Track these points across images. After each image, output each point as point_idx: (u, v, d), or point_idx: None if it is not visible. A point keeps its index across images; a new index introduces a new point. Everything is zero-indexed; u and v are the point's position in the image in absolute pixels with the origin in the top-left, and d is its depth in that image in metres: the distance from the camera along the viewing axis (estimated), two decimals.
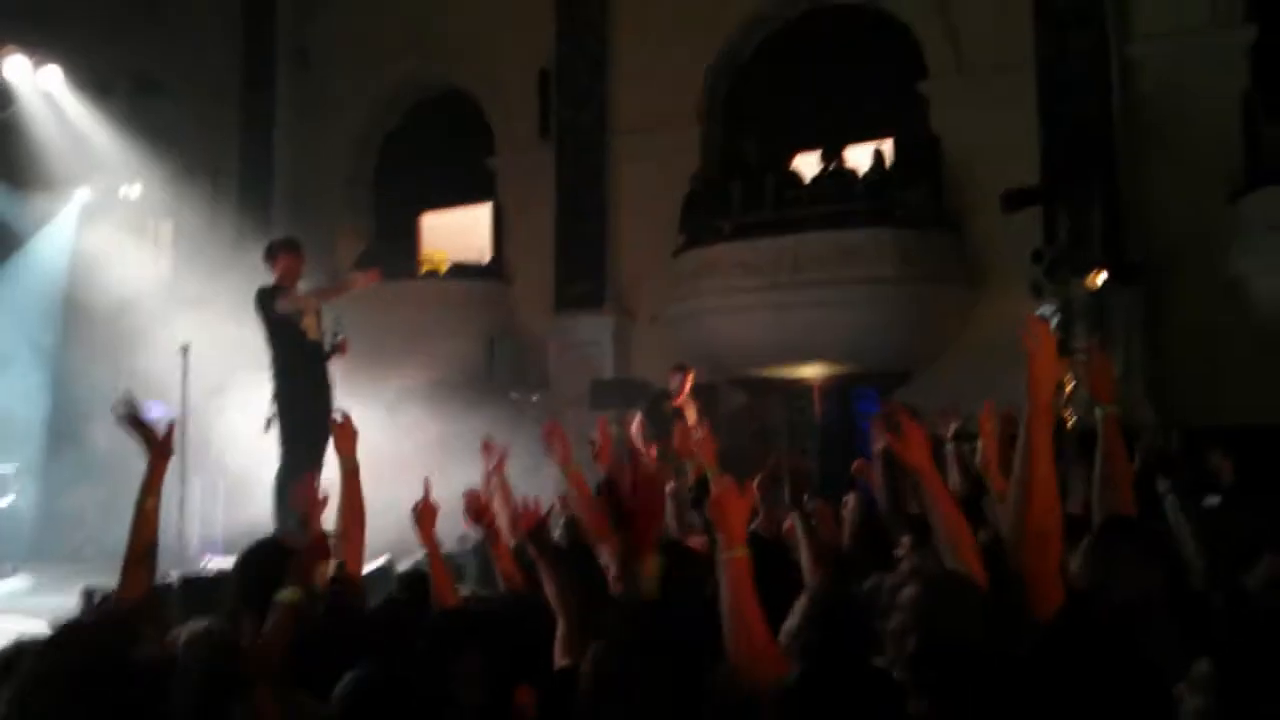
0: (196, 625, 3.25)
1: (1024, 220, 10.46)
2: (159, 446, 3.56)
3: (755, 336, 11.53)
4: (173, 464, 8.40)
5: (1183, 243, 10.32)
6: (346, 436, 4.25)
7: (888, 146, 11.93)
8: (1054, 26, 11.10)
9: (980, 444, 4.75)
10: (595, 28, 13.89)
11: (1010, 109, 11.07)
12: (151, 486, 3.51)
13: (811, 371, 11.69)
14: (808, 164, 12.25)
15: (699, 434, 6.22)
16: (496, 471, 5.04)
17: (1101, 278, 9.83)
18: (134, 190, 13.06)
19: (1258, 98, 10.32)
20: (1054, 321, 9.81)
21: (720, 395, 11.99)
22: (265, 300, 7.38)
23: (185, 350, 9.11)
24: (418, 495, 4.13)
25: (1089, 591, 2.97)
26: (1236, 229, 10.07)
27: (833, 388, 11.68)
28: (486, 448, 5.20)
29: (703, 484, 5.33)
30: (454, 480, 4.75)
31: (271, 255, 7.69)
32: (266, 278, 7.59)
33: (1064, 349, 9.77)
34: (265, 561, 3.45)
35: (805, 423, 11.75)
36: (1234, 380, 9.85)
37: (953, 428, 5.59)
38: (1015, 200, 10.40)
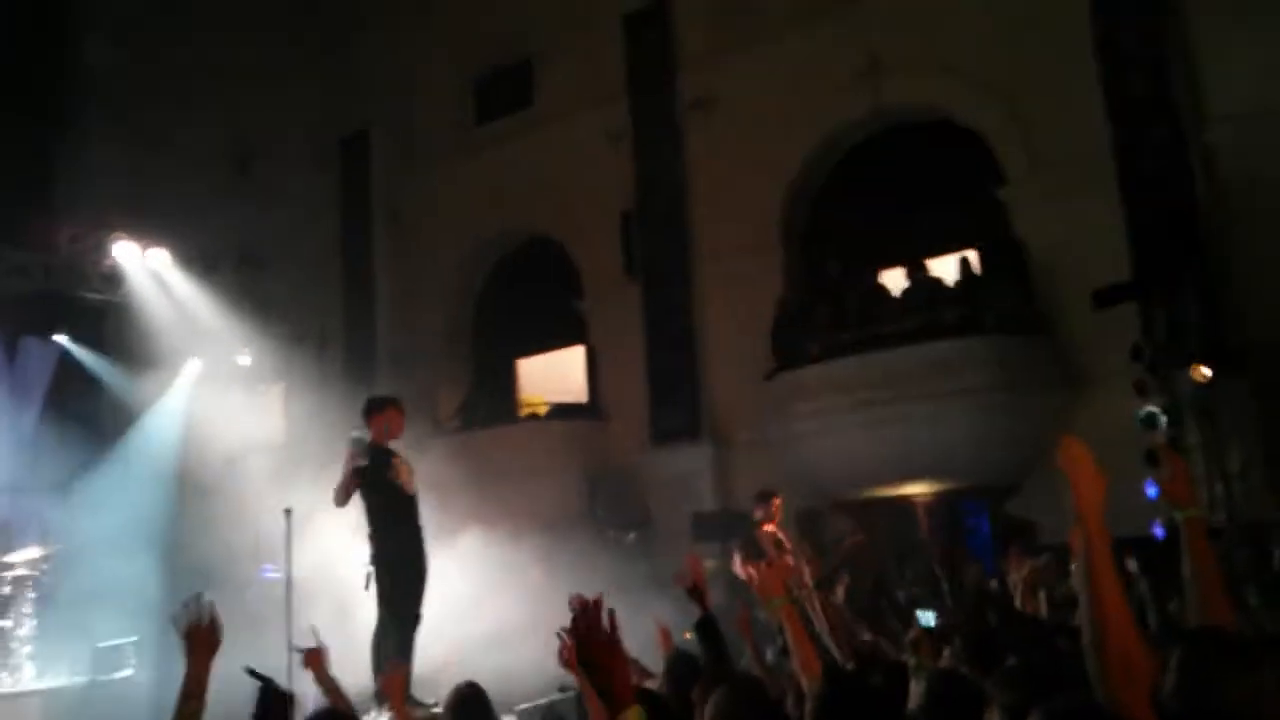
0: None
1: (1119, 317, 10.20)
2: (199, 643, 3.44)
3: (853, 457, 11.35)
4: (280, 628, 8.57)
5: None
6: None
7: (972, 255, 11.84)
8: (1127, 119, 10.97)
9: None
10: (671, 165, 14.23)
11: (1091, 205, 10.90)
12: (192, 689, 3.37)
13: (914, 489, 11.43)
14: (892, 279, 12.20)
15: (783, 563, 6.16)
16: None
17: (1206, 370, 9.51)
18: (244, 358, 13.62)
19: None
20: (1162, 420, 9.51)
21: (824, 520, 11.79)
22: (373, 456, 7.40)
23: (289, 513, 9.31)
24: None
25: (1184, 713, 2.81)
26: None
27: (938, 504, 11.37)
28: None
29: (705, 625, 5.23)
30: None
31: (368, 413, 7.83)
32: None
33: (1176, 447, 9.42)
34: None
35: (910, 541, 11.42)
36: None
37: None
38: (1107, 298, 10.16)
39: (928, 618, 9.56)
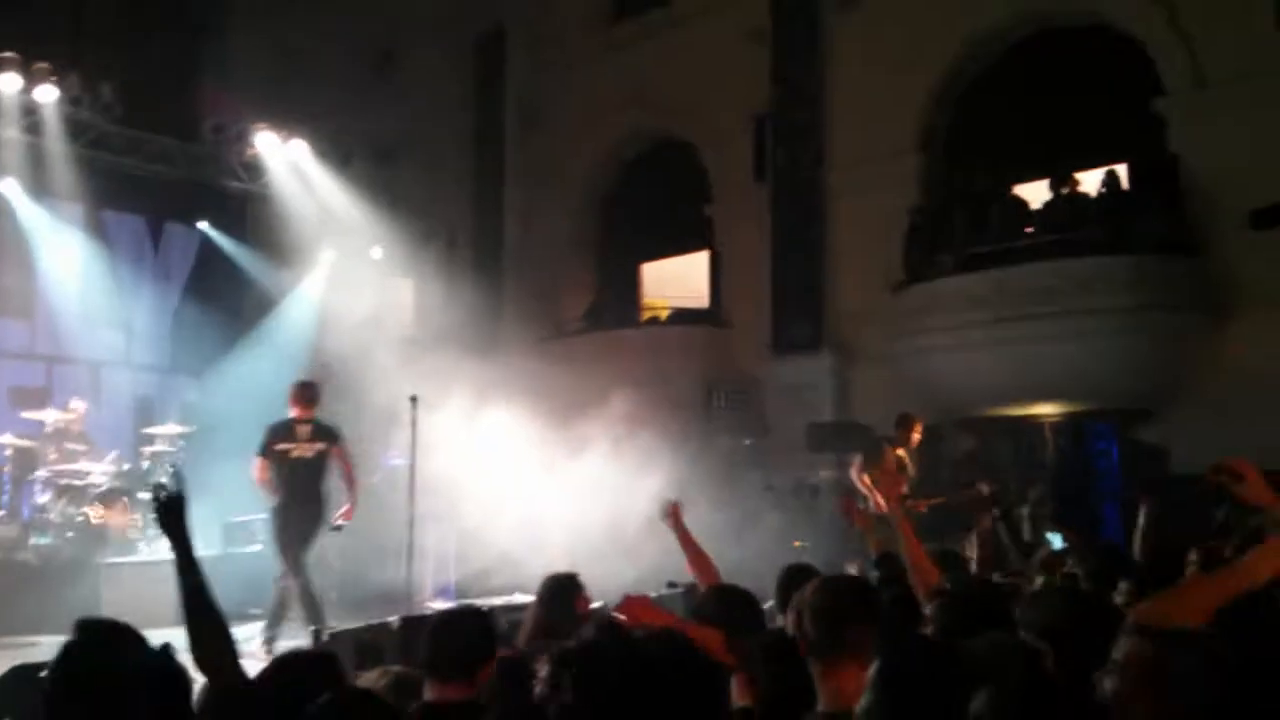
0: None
1: (1277, 242, 9.63)
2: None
3: (982, 374, 11.05)
4: (402, 511, 8.87)
5: None
6: None
7: (1122, 170, 11.25)
8: None
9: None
10: (811, 67, 13.84)
11: (1255, 123, 10.22)
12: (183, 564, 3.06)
13: (1043, 410, 11.08)
14: (1035, 192, 11.68)
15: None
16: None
17: None
18: (376, 252, 13.87)
19: None
20: None
21: (946, 438, 11.54)
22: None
23: (415, 401, 9.50)
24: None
25: None
26: None
27: (1066, 426, 11.01)
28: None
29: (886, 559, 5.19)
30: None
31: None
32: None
33: None
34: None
35: (1036, 464, 11.10)
36: None
37: None
38: (1268, 218, 9.59)
39: (1056, 539, 9.35)
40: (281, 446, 8.29)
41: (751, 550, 10.88)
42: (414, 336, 14.16)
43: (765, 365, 13.44)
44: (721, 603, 3.87)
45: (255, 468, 8.35)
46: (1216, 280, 10.51)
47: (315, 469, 8.38)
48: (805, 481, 11.18)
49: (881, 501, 9.00)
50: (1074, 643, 2.87)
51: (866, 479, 9.12)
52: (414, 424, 9.80)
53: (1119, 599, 4.56)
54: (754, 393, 13.40)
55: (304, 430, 8.40)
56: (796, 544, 11.05)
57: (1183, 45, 11.08)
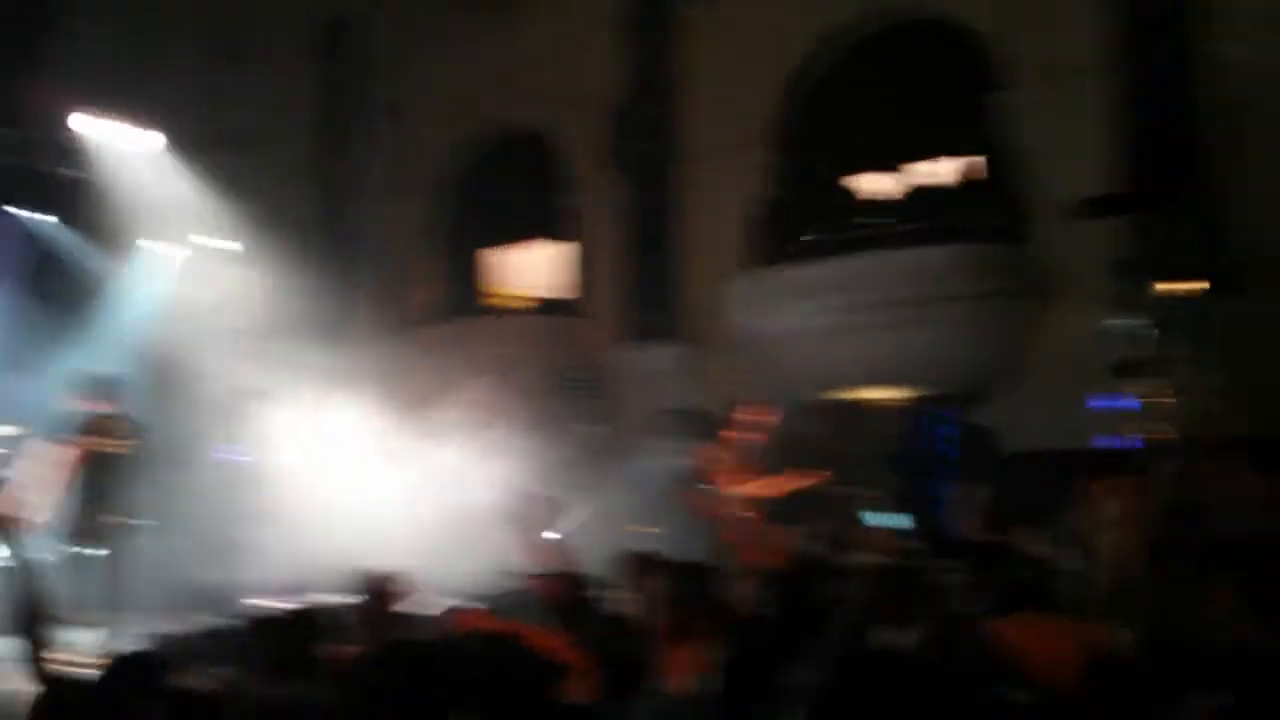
0: None
1: (1101, 231, 9.99)
2: None
3: (827, 360, 11.21)
4: (237, 507, 8.55)
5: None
6: None
7: (959, 163, 11.56)
8: (1130, 30, 10.62)
9: None
10: (664, 59, 13.87)
11: (1083, 117, 10.61)
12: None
13: (887, 394, 11.31)
14: (880, 183, 11.93)
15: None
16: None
17: (1194, 287, 9.30)
18: (223, 241, 13.41)
19: None
20: (1144, 335, 9.33)
21: (793, 422, 11.65)
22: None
23: (254, 393, 9.20)
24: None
25: None
26: None
27: (906, 409, 11.28)
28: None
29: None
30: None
31: None
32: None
33: (1152, 364, 9.29)
34: None
35: (874, 446, 11.34)
36: None
37: None
38: (1099, 207, 9.94)
39: (892, 520, 9.54)
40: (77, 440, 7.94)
41: (603, 537, 10.88)
42: (261, 327, 13.76)
43: (618, 353, 13.41)
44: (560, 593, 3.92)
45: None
46: (1045, 267, 10.87)
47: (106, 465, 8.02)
48: (653, 468, 11.18)
49: (728, 487, 9.08)
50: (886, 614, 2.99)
51: (712, 466, 9.15)
52: (253, 417, 9.51)
53: (946, 577, 4.67)
54: (607, 381, 13.35)
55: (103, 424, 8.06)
56: (645, 530, 11.06)
57: (1016, 40, 11.42)
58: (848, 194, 11.75)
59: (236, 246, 13.44)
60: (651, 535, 10.45)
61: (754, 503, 9.16)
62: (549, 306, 14.72)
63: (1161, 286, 9.50)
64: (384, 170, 16.04)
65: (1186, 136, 10.28)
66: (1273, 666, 2.26)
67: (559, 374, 13.41)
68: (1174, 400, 9.19)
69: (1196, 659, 2.41)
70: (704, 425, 10.32)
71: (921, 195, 11.27)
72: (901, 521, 9.56)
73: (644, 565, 4.67)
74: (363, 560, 8.42)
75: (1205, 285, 9.36)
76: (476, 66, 15.20)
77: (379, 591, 5.29)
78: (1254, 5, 10.25)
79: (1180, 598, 2.63)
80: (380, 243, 15.74)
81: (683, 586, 3.19)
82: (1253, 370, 9.46)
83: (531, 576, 5.53)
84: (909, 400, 11.31)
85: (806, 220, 11.76)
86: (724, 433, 9.19)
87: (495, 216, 15.43)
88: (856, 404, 11.46)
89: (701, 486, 8.99)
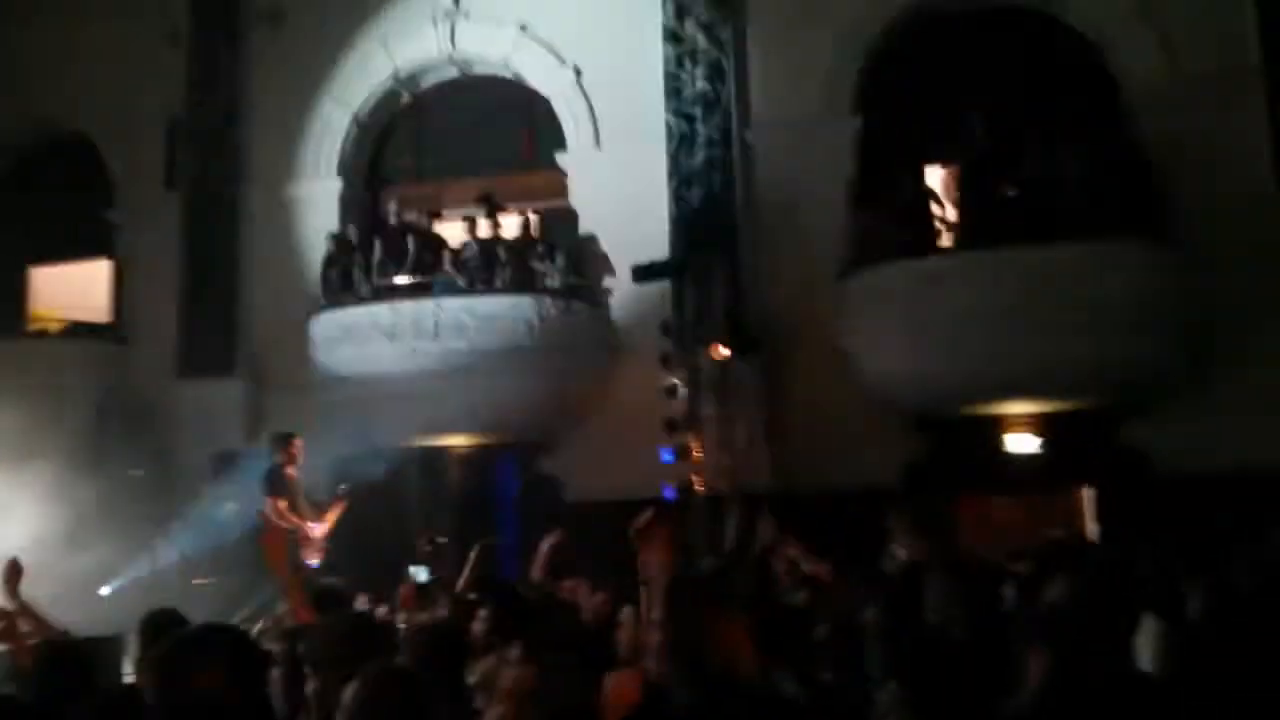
0: None
1: (658, 293, 10.83)
2: None
3: (393, 404, 11.16)
4: None
5: (797, 317, 10.95)
6: None
7: (534, 217, 12.03)
8: (683, 108, 11.62)
9: None
10: (231, 78, 13.26)
11: (642, 184, 11.46)
12: None
13: (452, 441, 11.52)
14: (452, 230, 12.10)
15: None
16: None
17: (724, 350, 10.29)
18: None
19: (860, 185, 11.18)
20: (682, 392, 10.20)
21: (357, 466, 11.52)
22: None
23: None
24: None
25: None
26: (844, 306, 10.76)
27: (473, 457, 11.55)
28: None
29: None
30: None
31: None
32: None
33: (691, 420, 10.18)
34: None
35: (441, 493, 11.52)
36: (843, 446, 10.48)
37: None
38: (645, 273, 10.74)
39: (421, 573, 9.78)
40: None
41: (145, 588, 10.15)
42: None
43: (170, 387, 12.53)
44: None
45: None
46: (608, 326, 11.63)
47: None
48: (212, 513, 10.60)
49: (309, 529, 8.85)
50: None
51: (283, 509, 8.88)
52: None
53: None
54: (156, 417, 12.40)
55: None
56: (198, 581, 10.48)
57: (586, 107, 12.14)
58: (424, 236, 11.80)
59: None
60: (212, 586, 10.01)
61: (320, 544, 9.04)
62: (95, 331, 13.47)
63: (695, 349, 10.42)
64: None
65: (724, 212, 11.41)
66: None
67: (103, 407, 12.27)
68: (702, 454, 10.12)
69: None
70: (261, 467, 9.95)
71: (493, 246, 11.54)
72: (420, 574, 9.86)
73: (160, 627, 4.43)
74: None
75: (727, 350, 10.35)
76: (9, 55, 13.71)
77: None
78: (779, 98, 11.55)
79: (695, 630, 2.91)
80: None
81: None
82: (770, 424, 10.69)
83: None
84: (472, 448, 11.56)
85: (378, 260, 11.67)
86: (285, 473, 8.97)
87: (38, 228, 13.86)
88: (423, 450, 11.54)
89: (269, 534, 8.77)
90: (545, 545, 6.88)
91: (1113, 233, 9.56)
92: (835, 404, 10.66)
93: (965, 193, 10.48)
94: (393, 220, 12.13)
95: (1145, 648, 3.31)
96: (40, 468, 10.59)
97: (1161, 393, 10.00)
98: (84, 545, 10.18)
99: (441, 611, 6.30)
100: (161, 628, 4.31)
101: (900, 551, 4.95)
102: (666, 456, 10.08)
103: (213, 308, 12.67)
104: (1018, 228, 9.73)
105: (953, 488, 9.87)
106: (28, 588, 5.52)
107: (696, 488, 9.92)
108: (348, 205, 12.97)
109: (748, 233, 11.34)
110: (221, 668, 2.64)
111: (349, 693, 2.57)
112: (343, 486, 9.39)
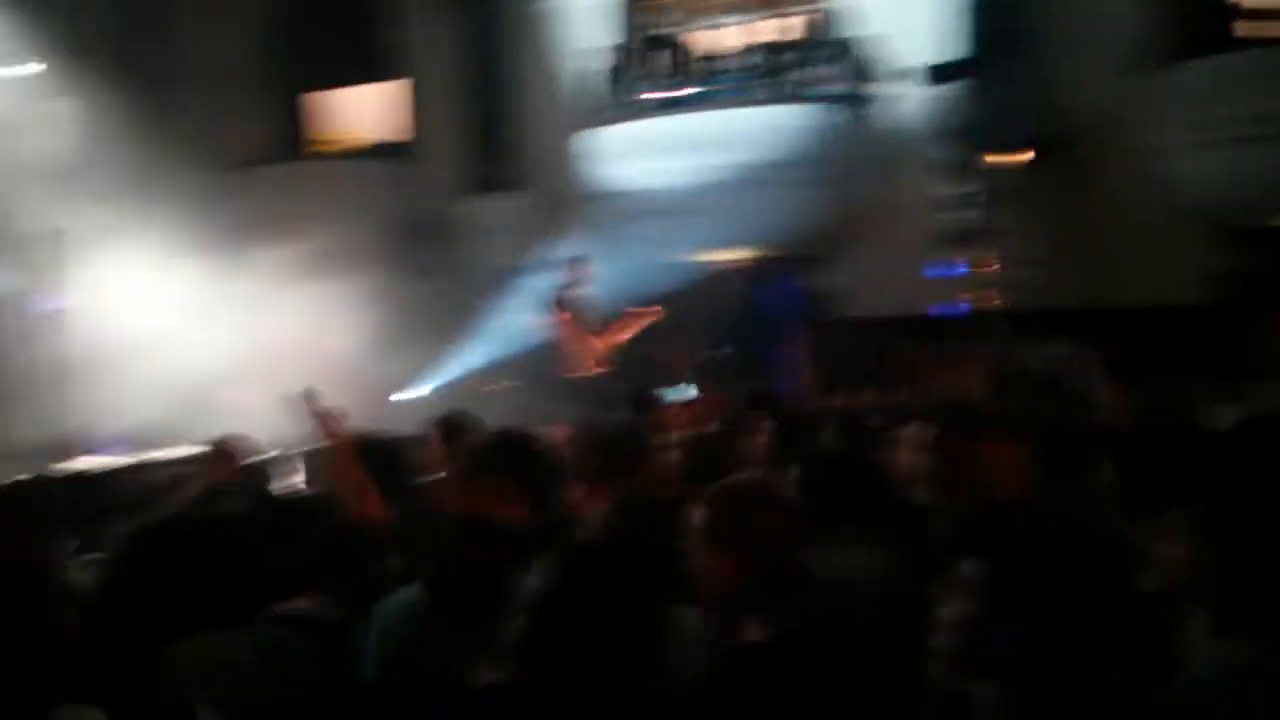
0: None
1: (945, 98, 10.26)
2: None
3: (674, 218, 11.09)
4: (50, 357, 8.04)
5: (1100, 119, 10.07)
6: None
7: (800, 20, 11.51)
8: None
9: None
10: None
11: None
12: None
13: (730, 255, 11.44)
14: (719, 39, 11.77)
15: None
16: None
17: (1024, 156, 9.68)
18: (27, 66, 12.22)
19: None
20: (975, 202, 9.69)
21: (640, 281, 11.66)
22: None
23: (60, 235, 8.56)
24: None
25: None
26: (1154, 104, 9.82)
27: (750, 272, 11.47)
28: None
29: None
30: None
31: None
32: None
33: (985, 231, 9.67)
34: None
35: (719, 308, 11.51)
36: (1147, 259, 9.73)
37: None
38: (941, 74, 10.18)
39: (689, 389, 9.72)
40: None
41: (440, 395, 10.77)
42: (68, 162, 12.76)
43: (459, 204, 12.99)
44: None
45: None
46: (894, 133, 11.03)
47: None
48: (502, 325, 11.00)
49: (594, 342, 9.02)
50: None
51: (569, 323, 9.05)
52: (62, 262, 8.91)
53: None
54: (447, 233, 12.93)
55: None
56: (498, 386, 10.97)
57: None
58: (686, 50, 11.54)
59: (38, 69, 12.28)
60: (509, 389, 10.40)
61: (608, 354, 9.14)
62: (380, 151, 14.00)
63: (990, 156, 9.82)
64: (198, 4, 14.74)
65: (1017, 11, 10.53)
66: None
67: (396, 226, 12.88)
68: (1000, 269, 9.62)
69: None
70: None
71: (775, 51, 11.16)
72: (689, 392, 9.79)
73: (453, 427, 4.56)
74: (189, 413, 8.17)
75: (1031, 155, 9.71)
76: None
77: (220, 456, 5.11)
78: None
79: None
80: (197, 79, 14.58)
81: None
82: (1080, 241, 10.01)
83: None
84: (750, 262, 11.45)
85: (664, 71, 11.51)
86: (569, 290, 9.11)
87: (324, 54, 14.44)
88: (704, 265, 11.53)
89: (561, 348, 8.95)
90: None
91: None
92: (1139, 214, 9.87)
93: None
94: (671, 31, 11.90)
95: None
96: (345, 282, 11.25)
97: None
98: (388, 355, 10.83)
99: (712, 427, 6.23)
100: (454, 428, 4.53)
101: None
102: (942, 271, 9.67)
103: (497, 125, 12.90)
104: None
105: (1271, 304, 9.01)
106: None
107: (989, 303, 9.49)
108: (626, 17, 12.71)
109: (1045, 31, 10.43)
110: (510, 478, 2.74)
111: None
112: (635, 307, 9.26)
